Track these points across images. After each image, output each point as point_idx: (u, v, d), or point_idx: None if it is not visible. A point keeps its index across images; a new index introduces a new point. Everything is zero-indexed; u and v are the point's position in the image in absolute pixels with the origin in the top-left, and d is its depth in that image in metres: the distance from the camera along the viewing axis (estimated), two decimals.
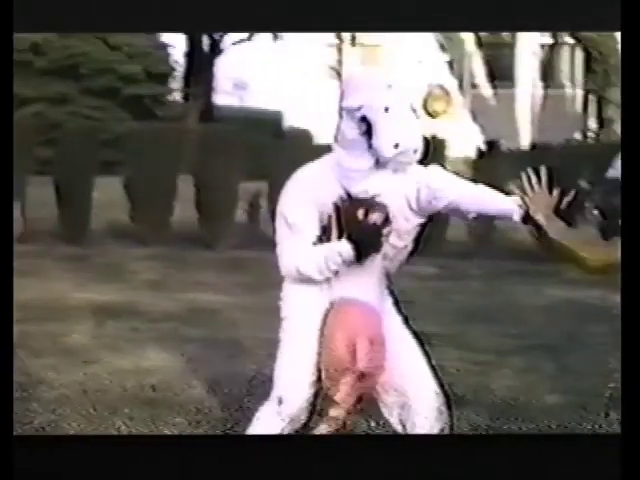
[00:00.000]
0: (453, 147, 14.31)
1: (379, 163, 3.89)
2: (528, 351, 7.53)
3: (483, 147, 14.92)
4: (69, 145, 14.17)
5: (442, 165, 4.13)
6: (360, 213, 3.92)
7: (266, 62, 33.13)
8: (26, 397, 5.98)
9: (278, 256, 4.04)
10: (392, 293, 4.21)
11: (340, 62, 33.32)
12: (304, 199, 3.96)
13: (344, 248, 3.92)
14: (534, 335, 8.12)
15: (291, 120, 29.88)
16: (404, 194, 3.94)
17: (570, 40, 28.10)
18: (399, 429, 4.12)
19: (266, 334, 7.44)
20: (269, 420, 4.05)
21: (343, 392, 3.95)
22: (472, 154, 14.44)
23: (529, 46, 32.25)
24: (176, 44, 31.35)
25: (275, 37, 32.03)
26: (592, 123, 29.18)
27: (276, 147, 14.71)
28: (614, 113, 21.01)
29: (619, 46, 21.22)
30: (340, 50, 33.34)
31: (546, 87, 33.16)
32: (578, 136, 29.31)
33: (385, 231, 3.93)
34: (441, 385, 4.14)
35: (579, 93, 31.80)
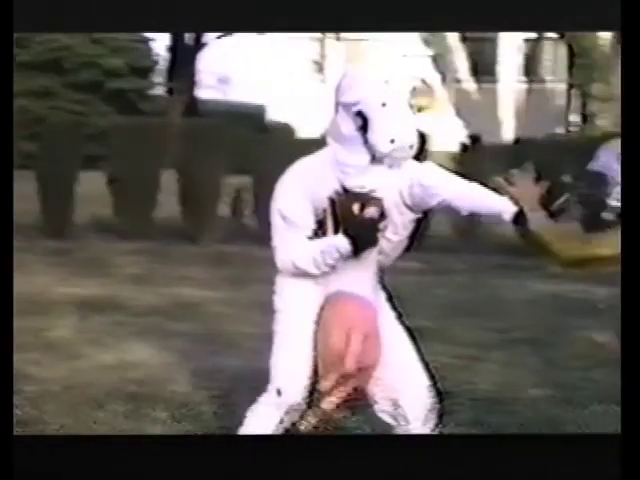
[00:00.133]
0: (436, 142, 14.29)
1: (375, 158, 3.90)
2: (512, 345, 7.55)
3: (467, 141, 14.90)
4: (52, 139, 14.08)
5: (425, 159, 4.13)
6: (356, 207, 3.92)
7: (250, 56, 33.06)
8: None
9: (274, 250, 4.04)
10: (385, 288, 4.21)
11: (324, 56, 33.35)
12: (299, 193, 3.96)
13: (340, 242, 3.92)
14: (518, 329, 8.13)
15: (274, 114, 29.87)
16: (399, 189, 3.95)
17: (553, 35, 28.14)
18: (391, 422, 4.12)
19: (250, 328, 7.51)
20: (267, 412, 4.05)
21: (337, 385, 3.96)
22: (455, 148, 14.42)
23: (512, 41, 32.30)
24: (159, 38, 31.24)
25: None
26: (575, 117, 29.21)
27: (260, 141, 14.69)
28: (597, 108, 21.04)
29: (602, 41, 21.25)
30: (324, 44, 33.35)
31: (529, 82, 33.24)
32: (561, 130, 29.37)
33: (381, 225, 3.94)
34: (433, 380, 4.14)
35: (562, 88, 31.86)
